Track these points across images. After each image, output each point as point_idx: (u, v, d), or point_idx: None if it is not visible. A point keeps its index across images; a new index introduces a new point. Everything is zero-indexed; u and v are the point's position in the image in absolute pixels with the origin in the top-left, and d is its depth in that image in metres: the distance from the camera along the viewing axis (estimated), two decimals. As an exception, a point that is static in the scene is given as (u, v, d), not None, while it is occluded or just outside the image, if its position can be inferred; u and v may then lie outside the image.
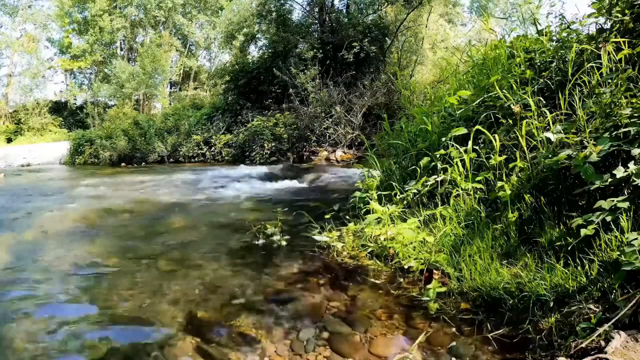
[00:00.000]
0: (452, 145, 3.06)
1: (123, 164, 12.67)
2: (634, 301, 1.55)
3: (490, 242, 2.40)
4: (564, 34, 3.25)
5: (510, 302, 1.97)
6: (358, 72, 11.92)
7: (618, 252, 1.74)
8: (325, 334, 1.96)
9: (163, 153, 13.02)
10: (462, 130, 3.03)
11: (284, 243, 3.32)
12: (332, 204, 4.42)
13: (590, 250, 1.91)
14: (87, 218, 4.72)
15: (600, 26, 3.12)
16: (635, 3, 2.78)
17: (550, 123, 2.58)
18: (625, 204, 1.88)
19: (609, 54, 2.57)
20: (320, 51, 12.13)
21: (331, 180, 7.30)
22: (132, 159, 12.99)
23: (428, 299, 2.21)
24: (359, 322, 2.06)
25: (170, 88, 25.59)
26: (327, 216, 3.56)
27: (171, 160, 12.97)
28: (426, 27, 14.19)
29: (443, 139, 3.23)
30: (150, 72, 20.10)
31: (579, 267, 1.89)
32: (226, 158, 11.98)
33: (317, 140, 10.78)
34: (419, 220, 2.91)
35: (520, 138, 2.63)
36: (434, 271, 2.45)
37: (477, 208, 2.67)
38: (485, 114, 3.11)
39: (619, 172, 1.94)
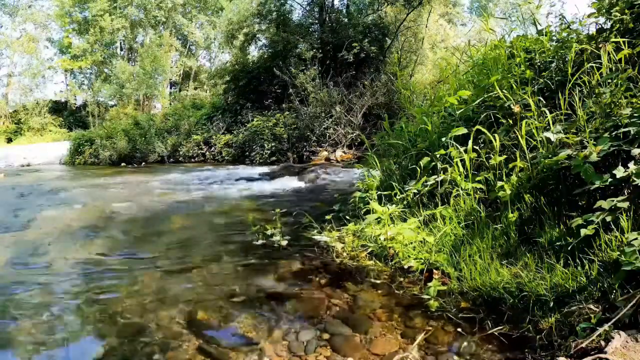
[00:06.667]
0: (452, 145, 3.06)
1: (123, 164, 12.67)
2: (634, 301, 1.55)
3: (490, 242, 2.40)
4: (564, 34, 3.25)
5: (510, 301, 1.97)
6: (358, 72, 11.91)
7: (618, 252, 1.74)
8: (326, 335, 1.96)
9: (163, 153, 13.02)
10: (462, 130, 3.03)
11: (284, 243, 3.32)
12: (332, 204, 4.42)
13: (590, 250, 1.91)
14: (87, 218, 4.72)
15: (600, 26, 3.12)
16: (635, 3, 2.78)
17: (550, 123, 2.58)
18: (625, 204, 1.88)
19: (609, 54, 2.57)
20: (320, 51, 12.12)
21: (331, 180, 7.30)
22: (132, 159, 12.99)
23: (428, 296, 2.21)
24: (359, 322, 2.06)
25: (170, 88, 25.60)
26: (327, 217, 3.56)
27: (171, 160, 12.97)
28: (426, 27, 14.18)
29: (443, 139, 3.23)
30: (150, 72, 20.10)
31: (579, 267, 1.90)
32: (226, 158, 11.98)
33: (317, 140, 10.78)
34: (419, 220, 2.91)
35: (520, 138, 2.63)
36: (434, 271, 2.45)
37: (477, 208, 2.67)
38: (485, 114, 3.11)
39: (619, 172, 1.94)
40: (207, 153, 12.69)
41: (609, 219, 1.90)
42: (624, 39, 2.60)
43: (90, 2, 21.84)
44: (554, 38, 3.34)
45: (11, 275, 2.86)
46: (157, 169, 11.17)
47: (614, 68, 2.58)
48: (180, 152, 12.88)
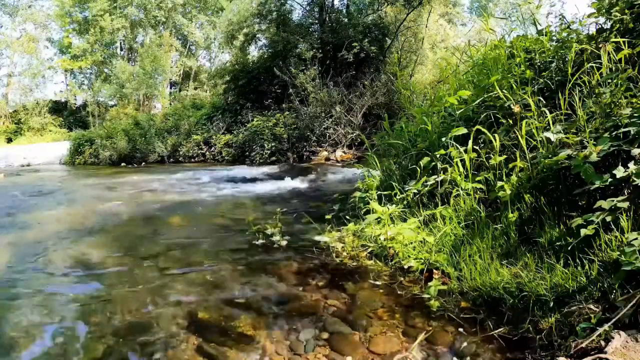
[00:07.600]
0: (452, 145, 3.06)
1: (123, 164, 12.66)
2: (634, 301, 1.55)
3: (490, 242, 2.40)
4: (564, 34, 3.25)
5: (511, 301, 1.97)
6: (358, 72, 11.91)
7: (618, 252, 1.74)
8: (325, 334, 1.97)
9: (163, 153, 13.01)
10: (462, 130, 3.03)
11: (283, 243, 3.32)
12: (332, 204, 4.42)
13: (590, 250, 1.91)
14: (87, 218, 4.72)
15: (600, 26, 3.12)
16: (635, 3, 2.78)
17: (550, 123, 2.58)
18: (625, 204, 1.88)
19: (609, 54, 2.57)
20: (320, 51, 12.13)
21: (331, 180, 7.30)
22: (132, 159, 12.98)
23: (428, 296, 2.21)
24: (358, 321, 2.06)
25: (170, 88, 25.59)
26: (327, 217, 3.56)
27: (171, 160, 12.97)
28: (426, 27, 14.18)
29: (443, 139, 3.23)
30: (150, 72, 20.10)
31: (579, 267, 1.90)
32: (226, 158, 11.98)
33: (317, 140, 10.78)
34: (419, 220, 2.91)
35: (520, 138, 2.63)
36: (434, 271, 2.45)
37: (477, 208, 2.67)
38: (485, 114, 3.11)
39: (619, 172, 1.94)
40: (207, 153, 12.68)
41: (609, 219, 1.90)
42: (624, 39, 2.60)
43: (90, 2, 21.83)
44: (554, 38, 3.34)
45: (11, 275, 2.86)
46: (157, 169, 11.16)
47: (614, 68, 2.58)
48: (180, 152, 12.87)
